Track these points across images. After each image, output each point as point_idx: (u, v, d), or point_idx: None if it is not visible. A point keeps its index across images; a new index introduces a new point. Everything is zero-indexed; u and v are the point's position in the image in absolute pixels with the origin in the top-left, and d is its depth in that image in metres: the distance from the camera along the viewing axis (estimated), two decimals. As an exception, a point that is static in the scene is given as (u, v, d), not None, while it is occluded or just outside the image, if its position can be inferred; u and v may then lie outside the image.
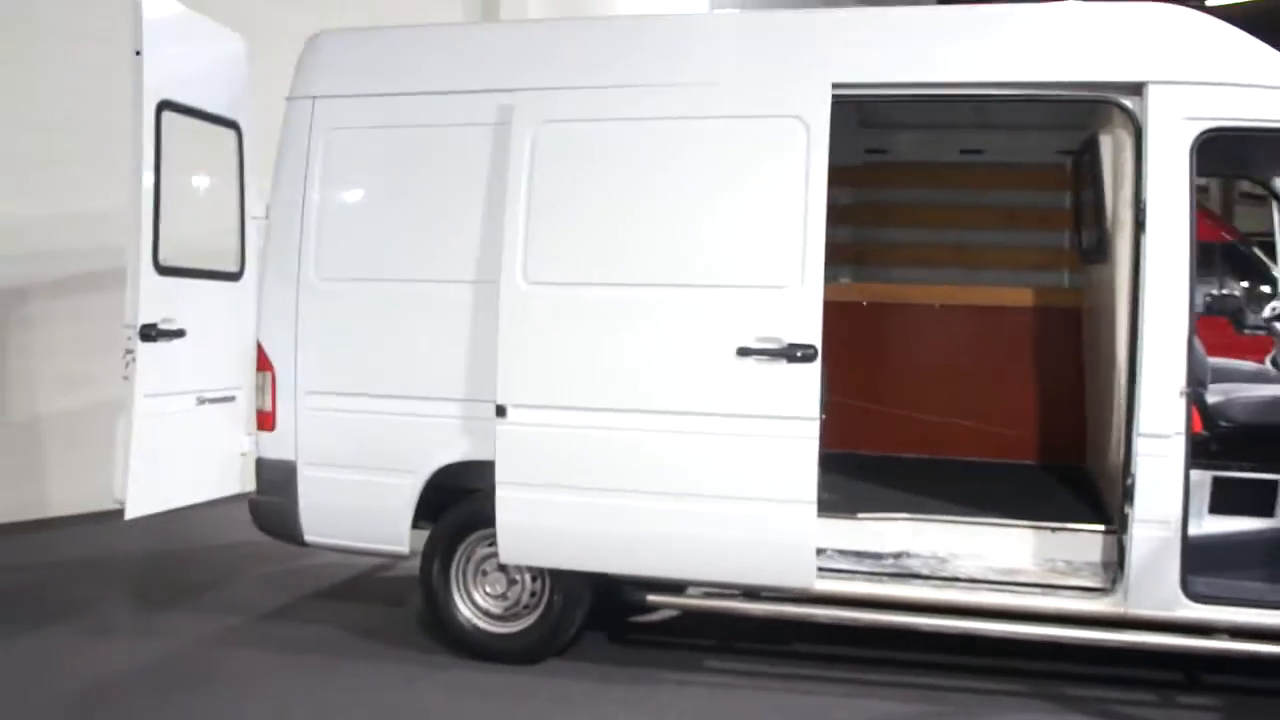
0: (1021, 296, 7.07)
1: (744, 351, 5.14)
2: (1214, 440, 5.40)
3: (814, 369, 5.11)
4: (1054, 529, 5.45)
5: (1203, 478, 5.35)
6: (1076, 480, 6.49)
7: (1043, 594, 5.23)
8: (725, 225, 5.23)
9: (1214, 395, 5.59)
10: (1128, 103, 5.05)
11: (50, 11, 8.44)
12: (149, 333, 5.26)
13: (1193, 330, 5.36)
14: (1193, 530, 5.26)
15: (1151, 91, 4.98)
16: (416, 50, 5.88)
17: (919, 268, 7.39)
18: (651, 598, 5.64)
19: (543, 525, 5.46)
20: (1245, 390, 5.87)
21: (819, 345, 5.10)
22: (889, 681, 5.55)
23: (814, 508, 5.18)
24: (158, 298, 5.30)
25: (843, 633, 5.76)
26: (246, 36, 6.02)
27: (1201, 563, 5.15)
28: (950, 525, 5.59)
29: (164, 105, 5.30)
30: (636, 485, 5.33)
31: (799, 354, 5.09)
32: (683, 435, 5.26)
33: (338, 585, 7.15)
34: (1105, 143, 6.11)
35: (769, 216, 5.17)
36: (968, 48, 5.24)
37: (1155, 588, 5.02)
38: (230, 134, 5.85)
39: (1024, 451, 7.10)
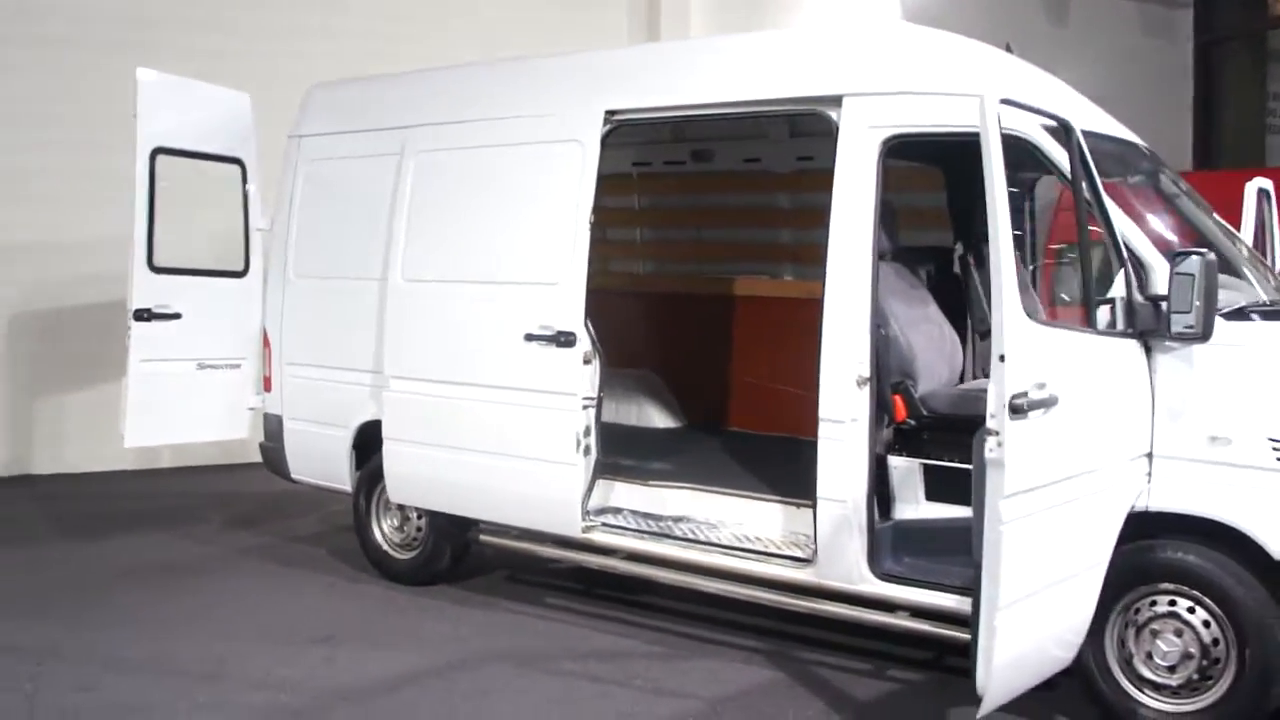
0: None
1: (529, 337, 6.23)
2: (923, 430, 5.68)
3: (575, 353, 6.10)
4: (799, 505, 5.97)
5: (912, 465, 5.68)
6: None
7: (760, 560, 5.83)
8: (521, 231, 6.36)
9: (924, 388, 5.82)
10: (831, 114, 5.55)
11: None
12: (142, 315, 7.25)
13: (905, 325, 5.78)
14: (909, 514, 5.69)
15: (845, 103, 5.47)
16: (357, 96, 7.49)
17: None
18: (484, 538, 6.85)
19: (411, 473, 6.84)
20: (963, 386, 6.03)
21: (579, 332, 6.08)
22: (650, 625, 6.44)
23: (578, 470, 6.17)
24: (151, 289, 7.27)
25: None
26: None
27: (902, 544, 5.55)
28: (720, 496, 6.28)
29: (159, 151, 7.26)
30: (463, 444, 6.57)
31: (563, 339, 6.11)
32: (492, 405, 6.43)
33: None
34: None
35: (550, 223, 6.23)
36: (710, 73, 6.00)
37: (838, 562, 5.49)
38: (235, 168, 7.74)
39: None
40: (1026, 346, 4.11)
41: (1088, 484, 4.47)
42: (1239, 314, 4.86)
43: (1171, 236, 5.37)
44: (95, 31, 10.59)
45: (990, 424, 4.02)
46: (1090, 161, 4.74)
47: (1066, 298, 6.88)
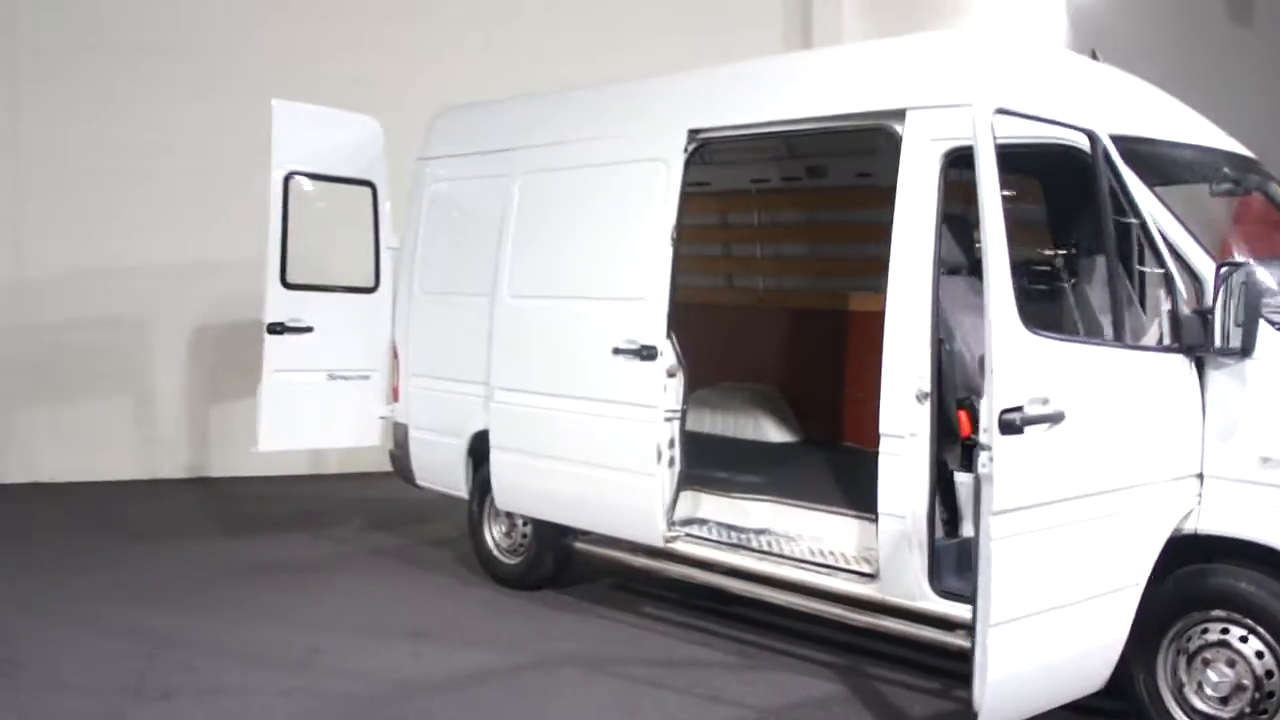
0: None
1: (616, 351, 6.42)
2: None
3: (658, 367, 6.26)
4: (871, 519, 5.94)
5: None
6: None
7: (828, 574, 5.84)
8: (611, 249, 6.57)
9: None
10: (896, 128, 5.54)
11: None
12: (275, 328, 7.80)
13: (965, 339, 5.70)
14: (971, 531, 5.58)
15: (908, 116, 5.45)
16: (474, 120, 7.88)
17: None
18: (579, 545, 7.07)
19: (514, 480, 7.14)
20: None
21: (663, 347, 6.23)
22: (733, 636, 6.51)
23: (659, 480, 6.31)
24: (284, 304, 7.82)
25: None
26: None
27: (966, 561, 5.41)
28: (800, 509, 6.30)
29: (292, 175, 7.81)
30: (558, 453, 6.81)
31: (646, 353, 6.28)
32: (584, 416, 6.66)
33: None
34: None
35: (637, 240, 6.40)
36: (786, 90, 6.06)
37: (899, 578, 5.46)
38: (367, 190, 8.23)
39: None
40: (1019, 360, 4.04)
41: (1110, 503, 4.33)
42: (1298, 329, 4.60)
43: (1249, 248, 5.11)
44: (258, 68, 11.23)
45: (982, 438, 3.97)
46: (1122, 171, 4.59)
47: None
